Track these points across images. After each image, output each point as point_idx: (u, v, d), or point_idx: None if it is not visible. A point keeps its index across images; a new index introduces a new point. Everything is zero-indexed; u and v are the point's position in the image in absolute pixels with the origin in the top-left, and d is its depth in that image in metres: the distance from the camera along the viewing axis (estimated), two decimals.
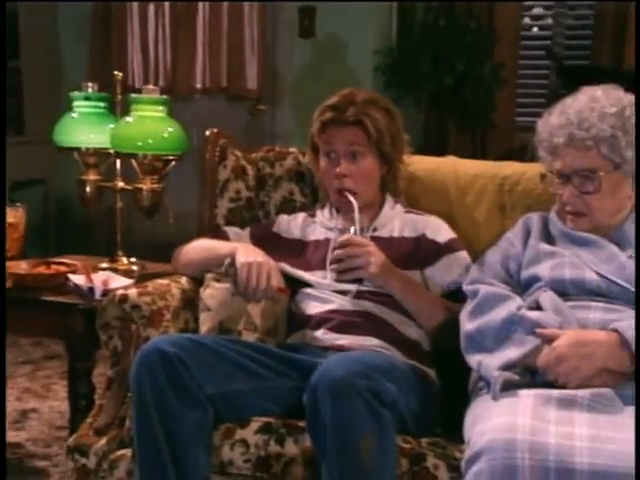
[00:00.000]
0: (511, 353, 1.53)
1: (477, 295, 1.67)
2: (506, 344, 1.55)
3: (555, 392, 1.42)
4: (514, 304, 1.61)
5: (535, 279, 1.67)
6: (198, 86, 4.09)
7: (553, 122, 1.65)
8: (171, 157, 2.32)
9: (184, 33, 4.04)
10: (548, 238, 1.73)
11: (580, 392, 1.41)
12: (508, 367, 1.52)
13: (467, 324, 1.64)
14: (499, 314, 1.59)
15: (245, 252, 1.81)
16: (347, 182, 1.89)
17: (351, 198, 1.85)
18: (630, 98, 1.64)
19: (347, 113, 1.86)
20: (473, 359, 1.60)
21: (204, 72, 4.07)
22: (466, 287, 1.73)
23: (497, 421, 1.36)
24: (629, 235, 1.65)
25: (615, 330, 1.48)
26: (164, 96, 2.33)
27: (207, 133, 2.16)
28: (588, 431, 1.32)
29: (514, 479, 1.29)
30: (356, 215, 1.81)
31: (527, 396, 1.41)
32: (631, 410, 1.39)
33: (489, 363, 1.54)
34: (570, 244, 1.68)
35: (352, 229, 1.81)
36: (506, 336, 1.56)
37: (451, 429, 1.62)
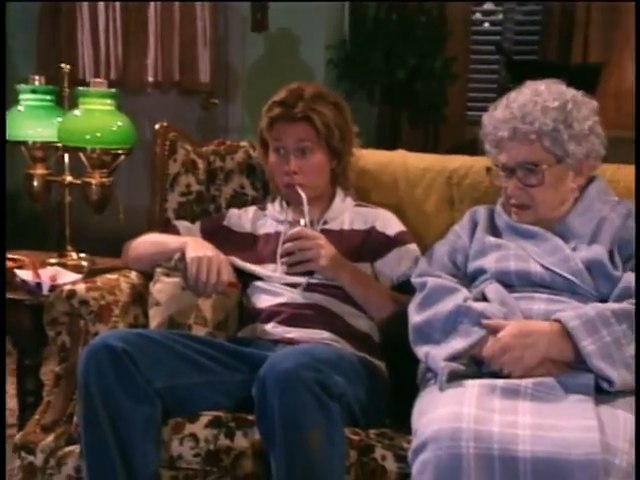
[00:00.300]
0: (457, 344, 1.55)
1: (425, 287, 1.69)
2: (453, 335, 1.57)
3: (500, 382, 1.45)
4: (460, 296, 1.63)
5: (481, 271, 1.70)
6: (150, 79, 4.05)
7: (498, 116, 1.67)
8: (120, 151, 2.30)
9: (135, 26, 4.00)
10: (494, 231, 1.76)
11: (523, 381, 1.44)
12: (454, 358, 1.54)
13: (415, 316, 1.66)
14: (446, 306, 1.61)
15: (195, 246, 1.80)
16: (297, 178, 1.89)
17: (300, 191, 1.85)
18: (573, 92, 1.67)
19: (295, 109, 1.86)
20: (421, 350, 1.62)
21: (156, 65, 4.03)
22: (414, 280, 1.75)
23: (443, 411, 1.39)
24: (572, 228, 1.68)
25: (558, 320, 1.51)
26: (112, 89, 2.30)
27: (156, 127, 2.15)
28: (531, 419, 1.35)
29: (459, 468, 1.32)
30: (305, 208, 1.82)
31: (472, 386, 1.44)
32: (573, 398, 1.42)
33: (436, 354, 1.56)
34: (515, 236, 1.71)
35: (302, 222, 1.81)
36: (453, 327, 1.58)
37: (401, 420, 1.64)
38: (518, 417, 1.36)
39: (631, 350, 1.46)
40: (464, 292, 1.65)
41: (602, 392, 1.44)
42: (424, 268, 1.76)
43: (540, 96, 1.64)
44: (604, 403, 1.41)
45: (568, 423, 1.34)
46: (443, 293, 1.65)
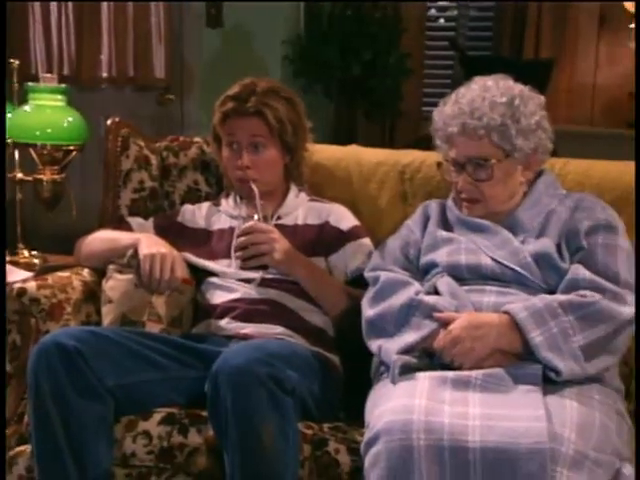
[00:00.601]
0: (409, 337, 1.57)
1: (378, 282, 1.70)
2: (405, 329, 1.59)
3: (450, 374, 1.47)
4: (413, 289, 1.65)
5: (433, 265, 1.71)
6: (104, 75, 4.00)
7: (447, 112, 1.69)
8: (72, 147, 2.27)
9: (89, 21, 3.95)
10: (445, 225, 1.77)
11: (474, 373, 1.46)
12: (407, 351, 1.56)
13: (368, 310, 1.67)
14: (398, 300, 1.63)
15: (148, 243, 1.79)
16: (250, 173, 1.89)
17: (253, 186, 1.85)
18: (520, 88, 1.70)
19: (248, 104, 1.86)
20: (374, 344, 1.63)
21: (110, 61, 3.98)
22: (367, 274, 1.76)
23: (394, 404, 1.40)
24: (521, 221, 1.70)
25: (507, 312, 1.53)
26: (62, 85, 2.28)
27: (108, 122, 2.12)
28: (480, 410, 1.37)
29: (410, 459, 1.33)
30: (258, 203, 1.82)
31: (424, 378, 1.46)
32: (522, 389, 1.45)
33: (389, 348, 1.58)
34: (466, 230, 1.73)
35: (256, 217, 1.81)
36: (405, 321, 1.60)
37: (354, 414, 1.65)
38: (468, 408, 1.38)
39: (578, 340, 1.48)
40: (416, 286, 1.66)
41: (550, 382, 1.47)
42: (377, 262, 1.78)
43: (488, 92, 1.66)
44: (552, 393, 1.44)
45: (517, 413, 1.37)
46: (396, 287, 1.66)
